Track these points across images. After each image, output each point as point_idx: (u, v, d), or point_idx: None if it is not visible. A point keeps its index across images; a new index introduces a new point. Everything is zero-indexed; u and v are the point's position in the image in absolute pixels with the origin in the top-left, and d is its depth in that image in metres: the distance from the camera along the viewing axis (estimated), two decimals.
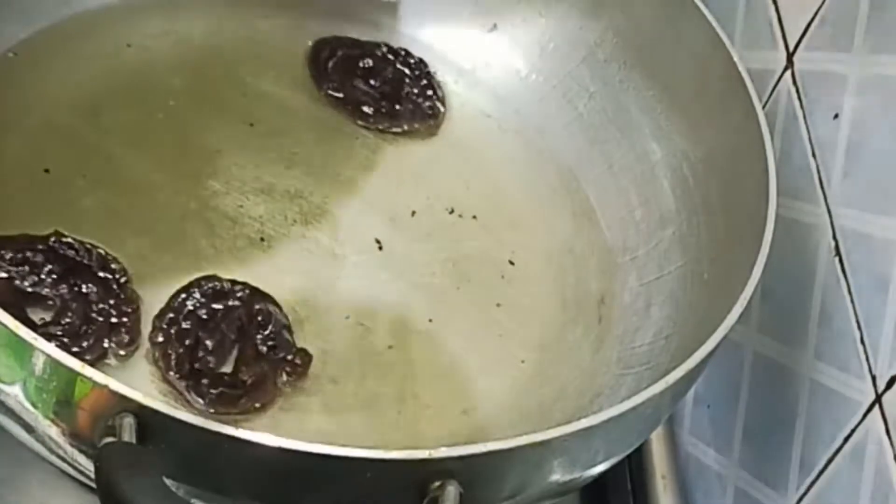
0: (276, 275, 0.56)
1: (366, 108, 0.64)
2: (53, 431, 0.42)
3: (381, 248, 0.59)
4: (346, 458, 0.39)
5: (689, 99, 0.61)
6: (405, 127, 0.64)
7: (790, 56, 0.58)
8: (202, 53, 0.65)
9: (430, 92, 0.66)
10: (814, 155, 0.56)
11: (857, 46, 0.53)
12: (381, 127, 0.64)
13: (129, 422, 0.38)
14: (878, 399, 0.49)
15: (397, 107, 0.65)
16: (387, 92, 0.65)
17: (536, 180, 0.65)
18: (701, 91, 0.60)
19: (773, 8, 0.60)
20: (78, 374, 0.38)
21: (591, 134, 0.65)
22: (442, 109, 0.66)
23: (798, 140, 0.57)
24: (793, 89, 0.58)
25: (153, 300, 0.53)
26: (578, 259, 0.62)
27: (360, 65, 0.66)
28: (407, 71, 0.66)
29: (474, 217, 0.62)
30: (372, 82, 0.65)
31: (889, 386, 0.48)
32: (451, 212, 0.62)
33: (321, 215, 0.59)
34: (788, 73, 0.58)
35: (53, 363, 0.39)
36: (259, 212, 0.58)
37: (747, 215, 0.54)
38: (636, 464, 0.63)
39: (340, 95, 0.64)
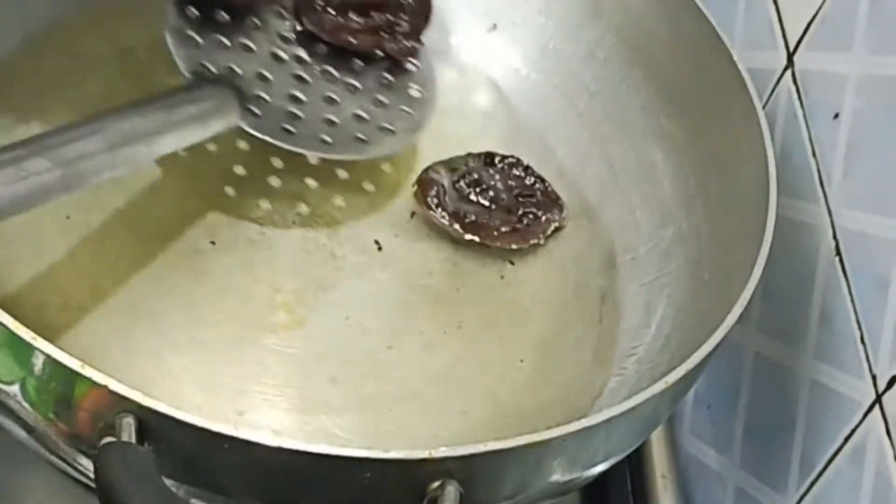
0: (276, 275, 0.56)
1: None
2: (53, 431, 0.42)
3: (380, 248, 0.59)
4: (345, 458, 0.39)
5: (689, 99, 0.61)
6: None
7: (790, 56, 0.58)
8: None
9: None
10: (814, 155, 0.56)
11: (857, 46, 0.53)
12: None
13: (128, 422, 0.38)
14: (878, 399, 0.49)
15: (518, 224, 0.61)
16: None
17: None
18: (701, 91, 0.60)
19: (773, 8, 0.60)
20: (77, 373, 0.38)
21: (591, 134, 0.65)
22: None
23: (798, 140, 0.57)
24: (793, 89, 0.58)
25: (153, 299, 0.53)
26: (578, 259, 0.62)
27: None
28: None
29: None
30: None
31: (889, 386, 0.48)
32: None
33: (321, 215, 0.59)
34: (788, 73, 0.58)
35: (53, 363, 0.39)
36: (259, 212, 0.58)
37: (747, 215, 0.54)
38: (636, 464, 0.63)
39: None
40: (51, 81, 0.60)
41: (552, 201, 0.61)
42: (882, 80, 0.51)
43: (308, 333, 0.54)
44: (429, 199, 0.59)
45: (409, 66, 0.62)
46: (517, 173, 0.62)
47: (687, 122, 0.61)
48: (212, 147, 0.60)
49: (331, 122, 0.59)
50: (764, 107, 0.58)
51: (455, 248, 0.60)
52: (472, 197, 0.60)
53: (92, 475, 0.38)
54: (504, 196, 0.61)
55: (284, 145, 0.57)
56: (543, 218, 0.60)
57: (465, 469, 0.40)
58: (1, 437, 0.45)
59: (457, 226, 0.58)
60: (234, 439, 0.38)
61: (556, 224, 0.61)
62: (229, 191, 0.59)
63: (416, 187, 0.60)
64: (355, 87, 0.60)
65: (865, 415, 0.49)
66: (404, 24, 0.61)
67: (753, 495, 0.58)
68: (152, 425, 0.39)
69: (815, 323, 0.54)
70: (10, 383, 0.41)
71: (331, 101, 0.59)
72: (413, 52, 0.62)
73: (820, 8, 0.56)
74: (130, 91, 0.61)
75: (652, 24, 0.63)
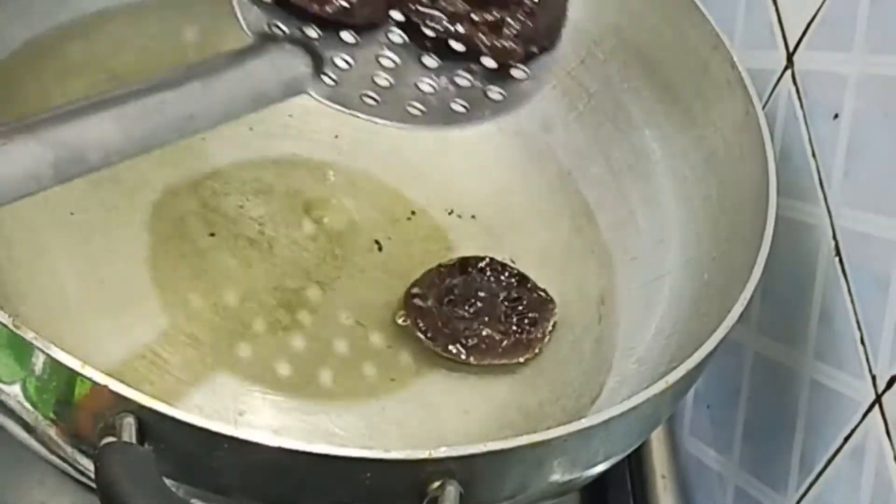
0: (276, 275, 0.56)
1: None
2: (53, 431, 0.42)
3: (380, 248, 0.59)
4: (345, 458, 0.39)
5: (689, 99, 0.61)
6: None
7: (790, 56, 0.58)
8: (202, 54, 0.64)
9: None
10: (814, 155, 0.56)
11: (857, 46, 0.53)
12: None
13: (128, 422, 0.38)
14: (878, 399, 0.49)
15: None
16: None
17: (536, 180, 0.65)
18: (701, 91, 0.60)
19: (773, 8, 0.60)
20: (78, 373, 0.38)
21: (591, 134, 0.65)
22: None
23: (798, 140, 0.57)
24: (793, 89, 0.58)
25: (153, 299, 0.53)
26: (578, 259, 0.62)
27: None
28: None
29: (474, 217, 0.62)
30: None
31: (889, 386, 0.48)
32: (451, 212, 0.62)
33: (321, 215, 0.59)
34: (788, 72, 0.58)
35: (53, 363, 0.39)
36: (259, 212, 0.58)
37: (747, 215, 0.54)
38: (636, 464, 0.63)
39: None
40: (51, 82, 0.60)
41: (541, 299, 0.58)
42: (882, 80, 0.51)
43: (308, 333, 0.54)
44: (424, 330, 0.55)
45: (513, 71, 0.54)
46: (495, 276, 0.58)
47: (687, 122, 0.61)
48: (212, 145, 0.60)
49: (422, 91, 0.52)
50: (764, 107, 0.58)
51: (455, 247, 0.60)
52: (463, 314, 0.56)
53: (92, 475, 0.38)
54: (493, 305, 0.56)
55: (364, 116, 0.51)
56: (540, 319, 0.57)
57: (465, 469, 0.40)
58: (1, 437, 0.45)
59: (462, 351, 0.55)
60: (234, 439, 0.38)
61: (554, 321, 0.57)
62: (230, 190, 0.59)
63: (403, 318, 0.56)
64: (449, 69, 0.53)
65: (865, 415, 0.49)
66: (516, 26, 0.53)
67: (753, 495, 0.58)
68: (152, 425, 0.39)
69: (814, 323, 0.54)
70: (10, 383, 0.41)
71: (424, 68, 0.52)
72: (512, 55, 0.53)
73: (820, 8, 0.56)
74: None
75: (652, 24, 0.63)
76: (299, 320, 0.55)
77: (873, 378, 0.49)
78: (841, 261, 0.53)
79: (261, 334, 0.54)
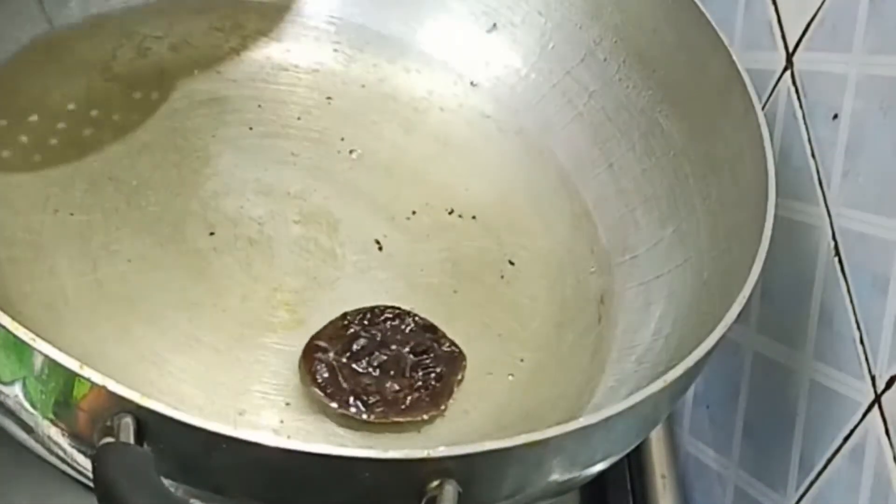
0: (276, 275, 0.56)
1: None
2: (52, 431, 0.42)
3: (380, 248, 0.59)
4: (345, 458, 0.40)
5: (689, 99, 0.61)
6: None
7: (790, 56, 0.58)
8: (202, 55, 0.65)
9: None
10: (813, 155, 0.56)
11: (857, 46, 0.53)
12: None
13: (127, 422, 0.38)
14: (877, 399, 0.49)
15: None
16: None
17: (536, 180, 0.65)
18: (701, 91, 0.60)
19: (772, 8, 0.60)
20: (76, 374, 0.38)
21: (591, 134, 0.65)
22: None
23: (798, 140, 0.57)
24: (792, 89, 0.58)
25: (153, 299, 0.53)
26: (578, 259, 0.62)
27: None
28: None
29: (474, 217, 0.62)
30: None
31: (888, 386, 0.48)
32: (451, 212, 0.62)
33: (321, 215, 0.59)
34: (788, 73, 0.58)
35: (52, 363, 0.39)
36: (259, 212, 0.58)
37: (747, 215, 0.54)
38: (636, 464, 0.63)
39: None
40: (51, 83, 0.60)
41: (450, 353, 0.54)
42: (882, 80, 0.51)
43: (308, 333, 0.54)
44: (320, 384, 0.51)
45: None
46: (403, 326, 0.55)
47: (687, 122, 0.61)
48: (213, 145, 0.60)
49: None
50: (763, 107, 0.58)
51: (455, 247, 0.60)
52: (366, 368, 0.53)
53: (91, 475, 0.38)
54: (398, 358, 0.53)
55: None
56: (447, 374, 0.54)
57: (464, 468, 0.40)
58: (1, 437, 0.45)
59: (362, 409, 0.51)
60: (233, 439, 0.39)
61: (461, 376, 0.54)
62: (229, 190, 0.59)
63: (301, 369, 0.52)
64: None
65: (864, 415, 0.49)
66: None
67: (753, 495, 0.58)
68: (151, 425, 0.39)
69: (814, 323, 0.54)
70: (10, 383, 0.41)
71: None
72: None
73: (819, 8, 0.56)
74: (131, 91, 0.61)
75: (652, 24, 0.63)
76: (299, 319, 0.55)
77: (872, 378, 0.49)
78: (840, 261, 0.53)
79: (261, 333, 0.54)
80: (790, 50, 0.58)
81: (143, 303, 0.53)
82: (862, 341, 0.50)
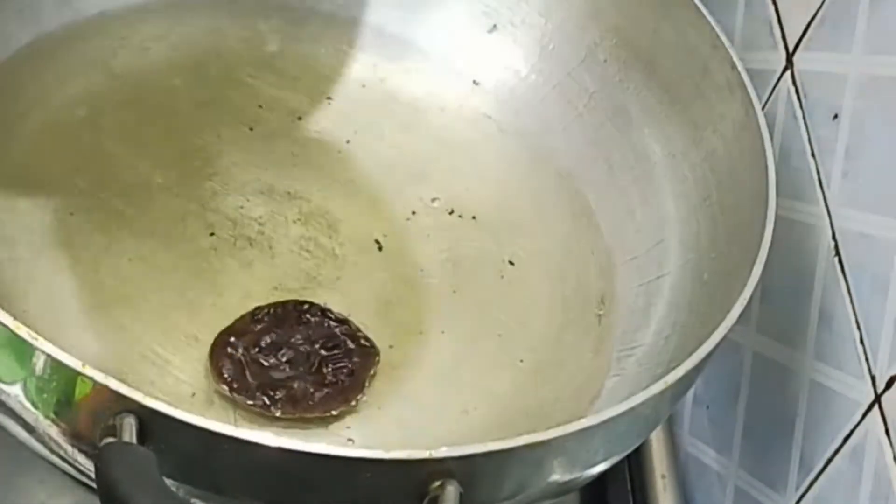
0: (277, 275, 0.56)
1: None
2: (54, 431, 0.42)
3: (380, 248, 0.59)
4: (345, 458, 0.40)
5: (689, 99, 0.61)
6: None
7: (790, 56, 0.58)
8: (202, 54, 0.65)
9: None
10: (813, 155, 0.56)
11: (857, 46, 0.53)
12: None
13: (129, 422, 0.38)
14: (877, 399, 0.49)
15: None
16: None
17: (536, 181, 0.65)
18: (701, 91, 0.60)
19: (772, 8, 0.60)
20: (78, 373, 0.38)
21: (591, 134, 0.65)
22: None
23: (798, 140, 0.57)
24: (792, 89, 0.58)
25: (154, 299, 0.53)
26: (578, 259, 0.62)
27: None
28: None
29: (474, 217, 0.62)
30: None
31: (888, 386, 0.48)
32: (451, 212, 0.62)
33: (321, 215, 0.59)
34: (788, 73, 0.58)
35: (54, 362, 0.39)
36: (259, 212, 0.58)
37: (747, 215, 0.54)
38: (636, 464, 0.63)
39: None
40: (51, 82, 0.60)
41: (362, 348, 0.54)
42: (882, 80, 0.51)
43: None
44: (227, 381, 0.51)
45: None
46: (315, 321, 0.54)
47: (687, 122, 0.61)
48: (213, 145, 0.60)
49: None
50: (763, 107, 0.58)
51: (455, 248, 0.60)
52: (275, 363, 0.52)
53: (92, 475, 0.38)
54: (308, 353, 0.53)
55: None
56: (359, 370, 0.53)
57: (465, 469, 0.40)
58: (1, 437, 0.45)
59: (268, 405, 0.50)
60: (234, 439, 0.39)
61: (373, 371, 0.53)
62: (229, 190, 0.59)
63: (209, 365, 0.51)
64: None
65: (864, 415, 0.49)
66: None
67: (753, 495, 0.58)
68: (153, 425, 0.39)
69: (814, 323, 0.54)
70: (10, 383, 0.41)
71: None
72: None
73: (819, 8, 0.56)
74: (131, 91, 0.61)
75: (652, 24, 0.63)
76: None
77: (872, 378, 0.49)
78: (840, 261, 0.53)
79: None
80: (790, 50, 0.58)
81: (143, 303, 0.53)
82: (862, 341, 0.50)
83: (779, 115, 0.59)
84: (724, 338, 0.47)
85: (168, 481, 0.39)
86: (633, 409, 0.44)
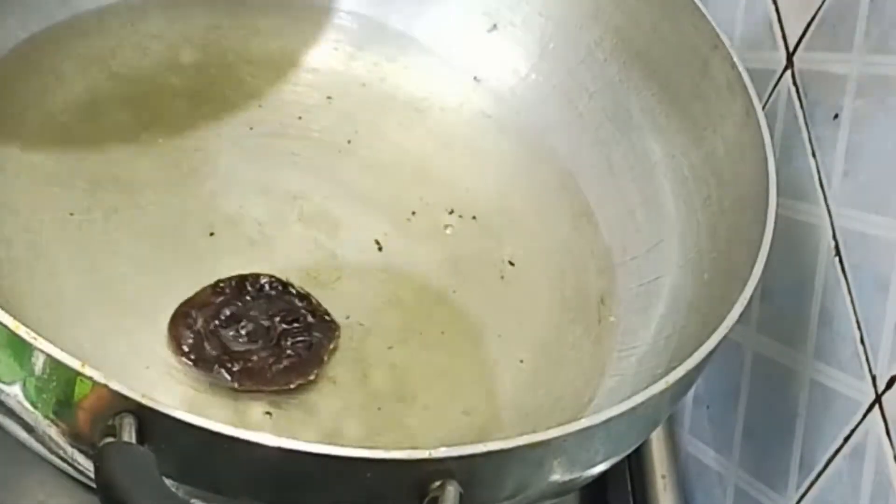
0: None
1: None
2: (53, 431, 0.42)
3: (380, 248, 0.59)
4: (345, 458, 0.39)
5: (689, 99, 0.61)
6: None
7: (790, 56, 0.58)
8: (202, 53, 0.65)
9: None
10: (814, 155, 0.56)
11: (857, 46, 0.53)
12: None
13: (128, 421, 0.38)
14: (878, 399, 0.49)
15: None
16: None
17: (536, 180, 0.65)
18: (701, 91, 0.60)
19: (773, 8, 0.60)
20: (78, 373, 0.38)
21: (591, 134, 0.65)
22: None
23: (798, 140, 0.57)
24: (793, 89, 0.58)
25: (153, 300, 0.53)
26: (578, 259, 0.62)
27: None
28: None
29: (474, 217, 0.62)
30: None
31: (889, 386, 0.48)
32: (451, 212, 0.62)
33: (321, 215, 0.59)
34: (788, 73, 0.58)
35: (53, 362, 0.39)
36: (259, 212, 0.58)
37: (747, 215, 0.54)
38: (636, 464, 0.63)
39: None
40: (51, 81, 0.60)
41: (321, 321, 0.54)
42: (882, 80, 0.51)
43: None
44: (185, 352, 0.51)
45: None
46: (276, 295, 0.54)
47: (687, 122, 0.61)
48: (213, 145, 0.60)
49: None
50: (764, 107, 0.58)
51: (455, 248, 0.60)
52: (234, 336, 0.52)
53: (92, 475, 0.38)
54: (268, 326, 0.53)
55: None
56: (318, 344, 0.53)
57: (465, 469, 0.40)
58: (1, 437, 0.45)
59: (225, 376, 0.50)
60: (234, 439, 0.38)
61: (333, 345, 0.53)
62: (229, 190, 0.59)
63: (168, 336, 0.52)
64: None
65: (865, 415, 0.49)
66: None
67: (753, 495, 0.58)
68: (152, 425, 0.38)
69: (814, 323, 0.54)
70: (10, 383, 0.41)
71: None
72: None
73: (820, 8, 0.56)
74: (131, 90, 0.61)
75: (652, 24, 0.63)
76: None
77: (873, 378, 0.49)
78: (841, 261, 0.53)
79: None
80: (791, 50, 0.58)
81: (143, 303, 0.53)
82: (862, 341, 0.50)
83: (779, 115, 0.59)
84: (725, 338, 0.47)
85: (168, 481, 0.39)
86: (633, 409, 0.44)
